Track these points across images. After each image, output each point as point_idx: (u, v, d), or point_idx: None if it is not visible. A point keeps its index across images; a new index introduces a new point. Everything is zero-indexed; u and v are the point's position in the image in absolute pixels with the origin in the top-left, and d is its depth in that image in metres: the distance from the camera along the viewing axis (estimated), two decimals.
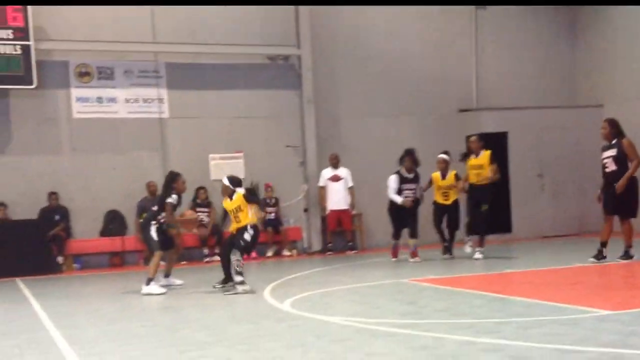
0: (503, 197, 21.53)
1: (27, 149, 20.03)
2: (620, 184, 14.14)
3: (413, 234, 17.18)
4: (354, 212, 21.48)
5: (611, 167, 14.42)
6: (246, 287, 12.81)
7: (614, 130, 14.54)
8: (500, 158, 16.92)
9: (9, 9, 19.17)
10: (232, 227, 13.41)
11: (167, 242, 14.20)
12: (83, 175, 20.43)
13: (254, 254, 20.15)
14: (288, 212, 21.85)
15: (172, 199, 13.92)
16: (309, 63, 21.78)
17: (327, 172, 21.19)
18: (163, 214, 13.94)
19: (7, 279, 17.58)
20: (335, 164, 21.19)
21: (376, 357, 7.24)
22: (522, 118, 23.20)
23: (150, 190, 19.92)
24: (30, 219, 19.41)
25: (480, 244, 16.91)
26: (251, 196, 13.28)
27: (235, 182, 13.54)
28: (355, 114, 22.58)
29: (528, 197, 23.05)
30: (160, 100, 21.07)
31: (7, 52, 19.21)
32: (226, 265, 13.34)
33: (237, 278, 12.88)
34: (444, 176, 17.24)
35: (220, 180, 13.88)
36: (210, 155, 21.25)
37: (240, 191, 13.29)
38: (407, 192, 17.04)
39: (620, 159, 14.31)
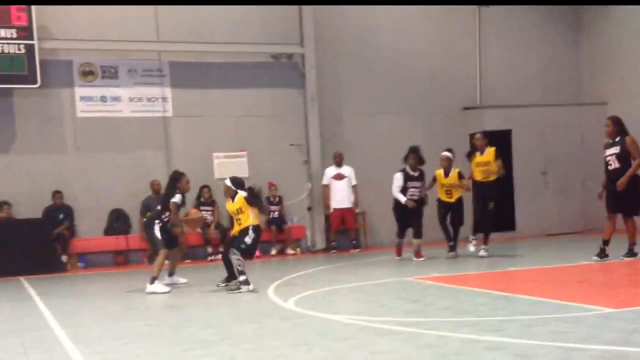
0: (507, 194, 21.51)
1: (31, 148, 20.05)
2: (621, 182, 14.12)
3: (417, 234, 17.16)
4: (357, 210, 21.49)
5: (614, 164, 14.41)
6: (250, 287, 12.82)
7: (618, 128, 14.52)
8: (504, 156, 16.88)
9: (13, 8, 19.20)
10: (235, 229, 13.41)
11: (171, 240, 14.22)
12: (87, 174, 20.45)
13: (257, 253, 20.19)
14: (292, 211, 21.85)
15: (176, 198, 13.94)
16: (313, 61, 21.78)
17: (331, 171, 21.20)
18: (167, 213, 13.95)
19: (12, 277, 17.62)
20: (339, 162, 21.20)
21: (380, 356, 7.25)
22: (526, 116, 23.20)
23: (154, 189, 19.94)
24: (34, 218, 19.43)
25: (485, 241, 16.91)
26: (253, 199, 13.27)
27: (238, 183, 13.52)
28: (359, 112, 22.58)
29: (532, 195, 23.05)
30: (164, 99, 21.08)
31: (11, 51, 19.23)
32: (228, 264, 13.33)
33: (241, 277, 12.89)
34: (446, 174, 17.16)
35: (224, 180, 13.88)
36: (214, 154, 21.25)
37: (242, 193, 13.28)
38: (412, 190, 16.99)
39: (623, 157, 14.29)
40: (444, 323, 8.86)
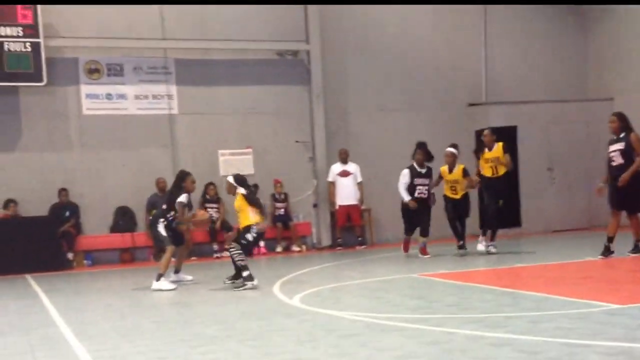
0: (512, 191, 21.48)
1: (37, 145, 20.08)
2: (624, 177, 14.06)
3: (424, 233, 17.08)
4: (363, 207, 21.49)
5: (617, 160, 14.37)
6: (254, 282, 12.83)
7: (623, 124, 14.49)
8: (509, 152, 16.81)
9: (19, 6, 19.23)
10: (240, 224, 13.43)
11: (177, 238, 14.23)
12: (93, 172, 20.49)
13: (263, 250, 20.26)
14: (297, 208, 21.87)
15: (182, 198, 13.95)
16: (318, 58, 21.79)
17: (337, 168, 21.21)
18: (172, 213, 13.97)
19: (18, 275, 17.66)
20: (344, 159, 21.21)
21: (386, 352, 7.25)
22: (532, 112, 23.18)
23: (160, 187, 19.98)
24: (40, 215, 19.49)
25: (492, 238, 16.83)
26: (252, 198, 13.27)
27: (239, 180, 13.51)
28: (365, 109, 22.60)
29: (537, 191, 23.03)
30: (170, 96, 21.10)
31: (17, 49, 19.28)
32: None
33: (244, 273, 12.90)
34: (451, 170, 16.92)
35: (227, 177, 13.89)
36: (220, 151, 21.27)
37: (241, 191, 13.27)
38: (420, 187, 16.87)
39: (628, 153, 14.24)
40: (449, 319, 8.86)
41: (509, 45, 24.12)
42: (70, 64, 20.34)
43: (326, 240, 21.75)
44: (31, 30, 19.32)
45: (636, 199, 14.34)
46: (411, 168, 16.99)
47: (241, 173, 14.58)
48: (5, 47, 19.19)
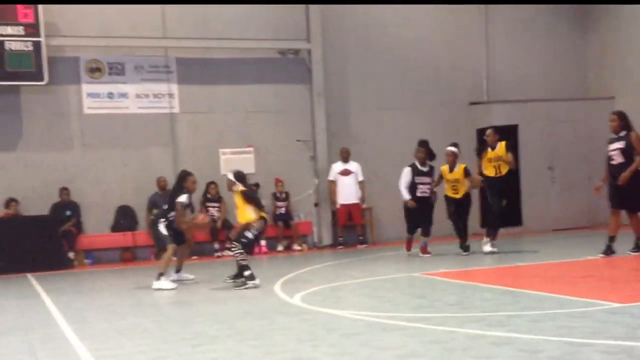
0: (514, 190, 21.48)
1: (38, 145, 20.10)
2: (624, 176, 14.06)
3: (425, 233, 17.06)
4: (364, 206, 21.49)
5: (617, 159, 14.36)
6: (256, 281, 12.83)
7: (623, 123, 14.49)
8: (512, 151, 16.77)
9: (20, 5, 19.22)
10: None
11: (178, 237, 14.21)
12: (94, 171, 20.50)
13: (264, 249, 20.27)
14: (298, 207, 21.87)
15: (183, 198, 13.94)
16: (319, 57, 21.80)
17: (338, 166, 21.22)
18: (172, 213, 13.97)
19: (19, 274, 17.66)
20: (345, 158, 21.21)
21: (387, 351, 7.25)
22: (533, 110, 23.19)
23: (161, 186, 20.00)
24: (41, 214, 19.49)
25: (494, 237, 16.79)
26: (250, 195, 13.23)
27: (238, 176, 13.48)
28: (366, 108, 22.60)
29: (538, 190, 23.04)
30: (171, 95, 21.11)
31: (19, 48, 19.28)
32: None
33: (245, 272, 12.89)
34: (451, 169, 16.88)
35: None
36: (221, 150, 21.28)
37: (239, 187, 13.23)
38: (421, 185, 16.83)
39: (628, 152, 14.24)
40: (451, 318, 8.86)
41: (510, 44, 24.13)
42: (71, 63, 20.35)
43: (327, 239, 21.75)
44: (32, 29, 19.32)
45: (636, 198, 14.34)
46: (412, 166, 16.95)
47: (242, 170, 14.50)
48: (7, 46, 19.19)
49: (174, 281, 14.05)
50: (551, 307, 9.12)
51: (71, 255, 19.59)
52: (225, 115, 21.47)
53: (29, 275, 17.41)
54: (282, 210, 21.30)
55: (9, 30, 19.18)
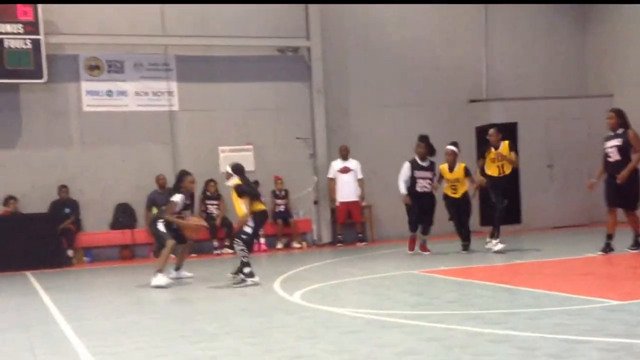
0: (513, 187, 21.47)
1: (38, 142, 20.10)
2: (623, 175, 14.07)
3: (425, 231, 17.03)
4: (363, 203, 21.49)
5: (614, 157, 14.37)
6: (255, 278, 12.83)
7: (621, 120, 14.49)
8: (514, 150, 16.67)
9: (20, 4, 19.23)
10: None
11: (178, 236, 14.17)
12: (93, 169, 20.50)
13: (263, 246, 20.27)
14: (298, 204, 21.86)
15: (176, 198, 13.94)
16: (319, 54, 21.80)
17: (337, 164, 21.22)
18: None
19: (18, 272, 17.65)
20: (345, 155, 21.21)
21: (386, 349, 7.25)
22: (532, 108, 23.19)
23: (160, 184, 20.02)
24: (40, 212, 19.49)
25: (498, 235, 16.72)
26: (242, 189, 13.14)
27: (235, 168, 13.43)
28: (365, 105, 22.60)
29: (538, 188, 23.04)
30: (170, 93, 21.10)
31: (18, 46, 19.28)
32: None
33: (245, 269, 12.89)
34: (451, 169, 16.78)
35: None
36: (220, 148, 21.27)
37: (234, 180, 13.18)
38: (421, 181, 16.75)
39: (625, 149, 14.25)
40: (449, 316, 8.87)
41: (509, 42, 24.13)
42: (70, 61, 20.35)
43: (326, 237, 21.76)
44: (31, 27, 19.32)
45: (632, 197, 14.35)
46: (412, 161, 16.87)
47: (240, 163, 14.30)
48: (6, 44, 19.19)
49: (173, 279, 14.06)
50: (549, 305, 9.13)
51: (70, 252, 19.59)
52: (225, 113, 21.46)
53: (28, 273, 17.40)
54: (282, 207, 21.30)
55: (8, 28, 19.17)
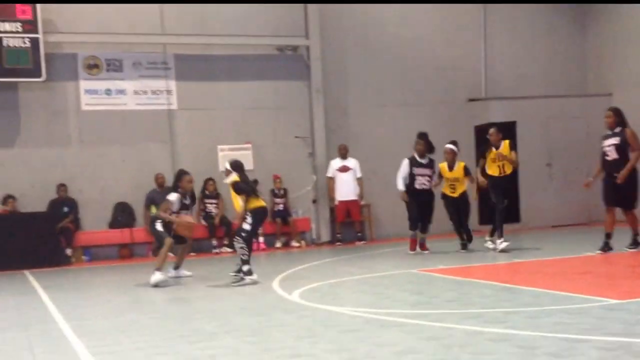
0: (512, 186, 21.46)
1: (36, 141, 20.08)
2: (622, 175, 14.07)
3: (424, 229, 16.98)
4: (362, 202, 21.48)
5: (612, 155, 14.37)
6: (253, 276, 12.82)
7: (618, 119, 14.50)
8: (515, 149, 16.62)
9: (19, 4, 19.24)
10: None
11: (177, 236, 14.15)
12: (92, 167, 20.48)
13: (262, 245, 20.26)
14: (297, 203, 21.85)
15: (172, 196, 13.96)
16: (318, 53, 21.78)
17: (336, 163, 21.21)
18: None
19: (16, 271, 17.64)
20: (344, 154, 21.20)
21: (385, 348, 7.25)
22: (531, 107, 23.17)
23: (159, 182, 20.01)
24: (39, 211, 19.46)
25: (492, 234, 16.71)
26: (239, 185, 13.12)
27: (234, 165, 13.43)
28: (364, 104, 22.59)
29: (537, 187, 23.02)
30: (169, 91, 21.08)
31: (16, 45, 19.26)
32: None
33: (244, 267, 12.87)
34: (450, 167, 16.77)
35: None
36: (219, 147, 21.25)
37: (232, 177, 13.17)
38: (420, 177, 16.64)
39: (622, 148, 14.26)
40: (449, 315, 8.87)
41: (509, 41, 24.11)
42: (69, 60, 20.32)
43: (325, 236, 21.75)
44: (30, 25, 19.30)
45: (630, 196, 14.35)
46: (411, 158, 16.79)
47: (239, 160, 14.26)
48: (4, 42, 19.16)
49: (172, 278, 14.06)
50: (549, 304, 9.13)
51: (69, 251, 19.58)
52: (224, 111, 21.44)
53: (27, 272, 17.39)
54: (281, 206, 21.29)
55: (7, 26, 19.15)
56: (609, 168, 14.43)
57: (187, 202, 14.29)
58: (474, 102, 23.38)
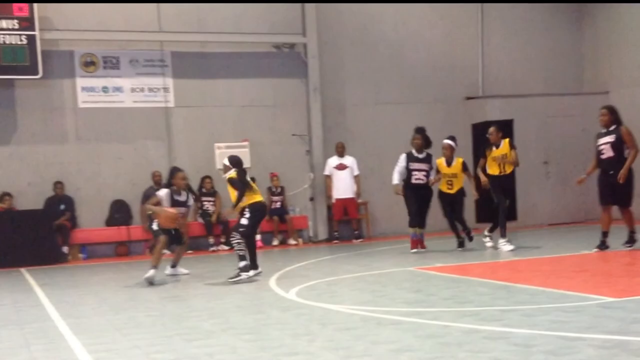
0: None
1: (33, 139, 20.05)
2: (622, 174, 14.05)
3: (421, 224, 16.92)
4: (360, 200, 21.49)
5: (608, 153, 14.37)
6: (250, 273, 12.82)
7: (614, 117, 14.52)
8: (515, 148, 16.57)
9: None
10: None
11: (174, 236, 14.14)
12: (88, 165, 20.46)
13: (259, 243, 20.21)
14: (294, 201, 21.84)
15: (162, 192, 14.01)
16: (315, 51, 21.76)
17: (333, 161, 21.21)
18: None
19: (13, 268, 17.64)
20: (341, 152, 21.21)
21: (382, 346, 7.26)
22: (528, 105, 23.16)
23: (156, 180, 19.99)
24: (35, 209, 19.44)
25: (492, 231, 16.68)
26: (235, 181, 13.09)
27: (232, 160, 13.43)
28: (362, 102, 22.58)
29: (534, 185, 23.02)
30: (166, 89, 21.06)
31: (13, 42, 19.23)
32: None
33: (240, 263, 12.85)
34: (449, 163, 16.69)
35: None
36: (216, 144, 21.22)
37: (230, 173, 13.16)
38: (417, 172, 16.47)
39: (618, 146, 14.26)
40: (445, 313, 8.88)
41: (506, 39, 24.09)
42: (66, 57, 20.29)
43: (323, 234, 21.75)
44: (27, 23, 19.27)
45: (626, 194, 14.36)
46: (408, 153, 16.70)
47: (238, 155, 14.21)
48: (1, 39, 19.13)
49: (168, 275, 14.07)
50: (545, 302, 9.14)
51: (65, 249, 19.55)
52: (221, 109, 21.43)
53: (23, 270, 17.39)
54: (278, 204, 21.28)
55: (3, 23, 19.12)
56: (605, 166, 14.44)
57: (182, 199, 14.24)
58: (471, 100, 23.39)
